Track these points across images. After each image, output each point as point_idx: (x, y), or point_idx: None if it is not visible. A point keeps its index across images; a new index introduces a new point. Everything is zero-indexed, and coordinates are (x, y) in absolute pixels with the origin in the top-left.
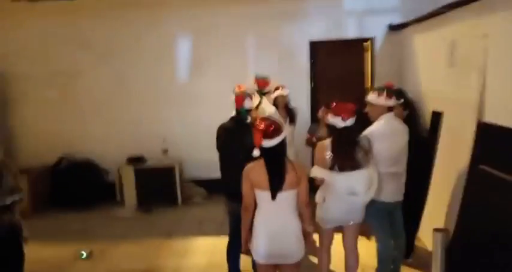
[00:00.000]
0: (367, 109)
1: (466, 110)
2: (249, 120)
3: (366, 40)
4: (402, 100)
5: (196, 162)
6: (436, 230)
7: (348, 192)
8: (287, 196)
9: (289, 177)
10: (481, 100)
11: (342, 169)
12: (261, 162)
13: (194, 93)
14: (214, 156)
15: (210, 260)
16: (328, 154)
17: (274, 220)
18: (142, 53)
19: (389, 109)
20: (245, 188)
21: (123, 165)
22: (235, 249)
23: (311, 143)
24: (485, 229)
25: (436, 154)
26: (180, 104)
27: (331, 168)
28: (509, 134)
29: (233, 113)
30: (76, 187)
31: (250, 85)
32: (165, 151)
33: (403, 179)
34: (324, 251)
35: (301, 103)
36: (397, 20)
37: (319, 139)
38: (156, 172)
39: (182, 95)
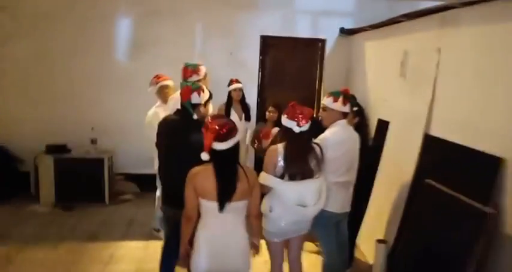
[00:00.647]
0: (320, 114)
1: (413, 121)
2: (195, 116)
3: (317, 41)
4: (357, 107)
5: (129, 154)
6: (378, 241)
7: (297, 202)
8: (236, 208)
9: (241, 185)
10: (429, 112)
11: (292, 177)
12: (209, 166)
13: (131, 78)
14: (149, 148)
15: (139, 268)
16: (280, 161)
17: (219, 233)
18: (74, 28)
19: (344, 115)
20: (188, 196)
21: (41, 153)
22: (170, 259)
23: (258, 148)
24: (428, 241)
25: (379, 164)
26: (113, 89)
27: (282, 176)
28: (453, 148)
29: (156, 107)
30: None
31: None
32: (93, 141)
33: (352, 188)
34: (277, 270)
35: (249, 100)
36: (349, 24)
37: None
38: (81, 164)
39: (117, 79)
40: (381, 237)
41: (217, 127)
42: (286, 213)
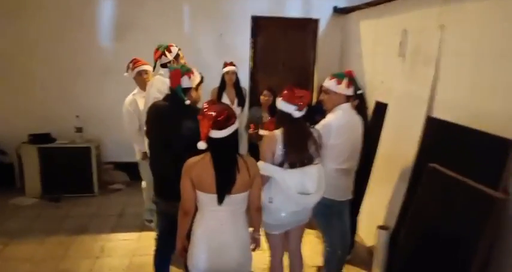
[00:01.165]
0: (322, 97)
1: (413, 103)
2: (187, 102)
3: (310, 21)
4: (361, 90)
5: (117, 142)
6: (380, 227)
7: (298, 190)
8: (236, 200)
9: (241, 176)
10: (431, 94)
11: (292, 165)
12: (207, 157)
13: (117, 62)
14: (128, 138)
15: (132, 262)
16: (280, 148)
17: (218, 227)
18: (57, 13)
19: (347, 99)
20: (185, 188)
21: (24, 143)
22: (164, 252)
23: (255, 134)
24: (433, 228)
25: (377, 148)
26: (98, 75)
27: (281, 164)
28: (459, 131)
29: (134, 94)
30: None
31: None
32: (79, 129)
33: (353, 175)
34: (277, 263)
35: (241, 83)
36: (343, 3)
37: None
38: (66, 154)
39: (102, 65)
40: (380, 223)
41: (214, 113)
42: (286, 203)
